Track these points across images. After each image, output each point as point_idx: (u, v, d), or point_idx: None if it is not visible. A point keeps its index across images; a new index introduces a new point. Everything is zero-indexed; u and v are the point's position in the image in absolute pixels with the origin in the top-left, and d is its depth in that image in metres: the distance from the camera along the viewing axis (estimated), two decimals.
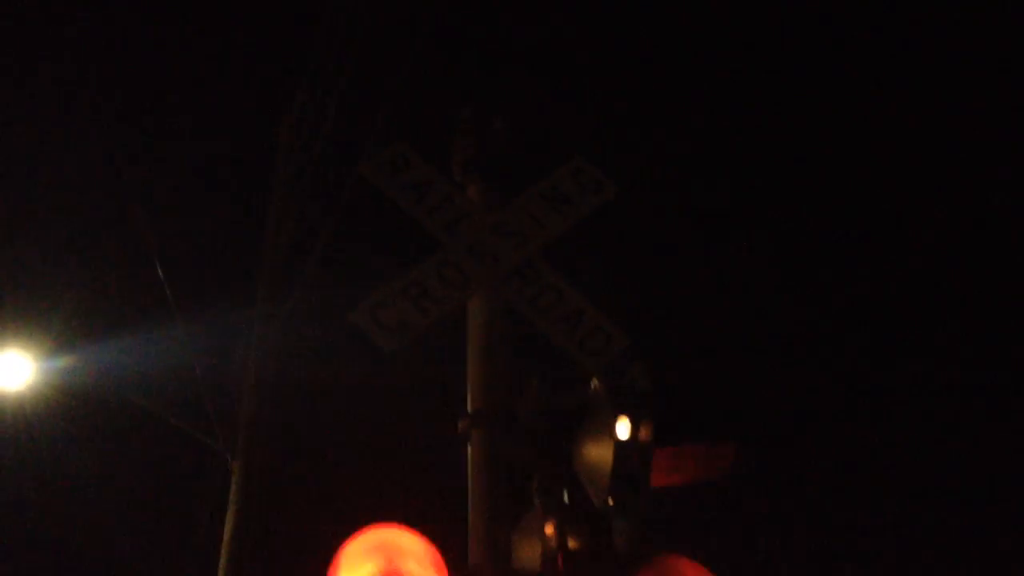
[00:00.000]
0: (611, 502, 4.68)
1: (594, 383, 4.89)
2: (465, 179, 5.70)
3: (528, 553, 5.02)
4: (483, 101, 5.86)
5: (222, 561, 9.74)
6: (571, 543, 5.01)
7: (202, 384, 10.48)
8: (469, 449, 4.97)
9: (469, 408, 5.06)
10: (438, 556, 4.10)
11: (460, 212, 5.44)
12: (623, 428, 4.60)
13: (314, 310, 10.90)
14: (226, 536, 9.83)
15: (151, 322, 11.11)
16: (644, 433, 4.61)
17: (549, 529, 4.99)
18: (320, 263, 11.15)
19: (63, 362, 10.69)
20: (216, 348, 10.74)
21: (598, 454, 4.72)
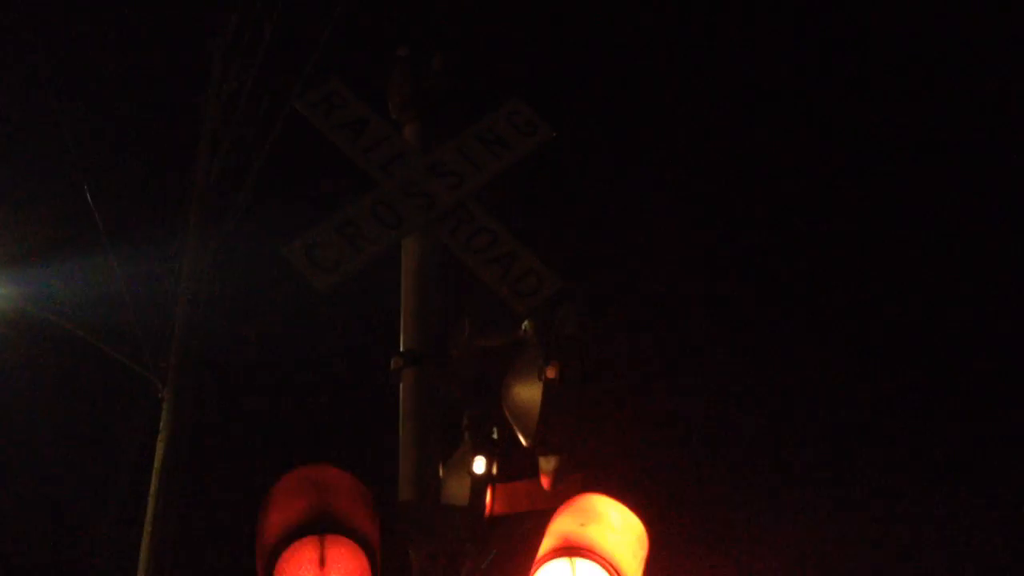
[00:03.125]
0: (538, 441, 4.80)
1: (525, 324, 4.99)
2: (401, 119, 5.71)
3: (457, 488, 5.14)
4: (421, 40, 5.87)
5: (152, 488, 9.79)
6: (498, 479, 5.13)
7: (133, 311, 10.45)
8: (401, 387, 5.05)
9: (402, 347, 5.13)
10: (367, 493, 4.19)
11: (395, 152, 5.47)
12: (551, 369, 4.70)
13: (247, 239, 10.88)
14: (156, 464, 9.88)
15: (82, 249, 11.02)
16: (571, 374, 4.72)
17: (478, 465, 5.10)
18: (253, 191, 11.11)
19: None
20: (148, 275, 10.70)
21: (527, 394, 4.83)
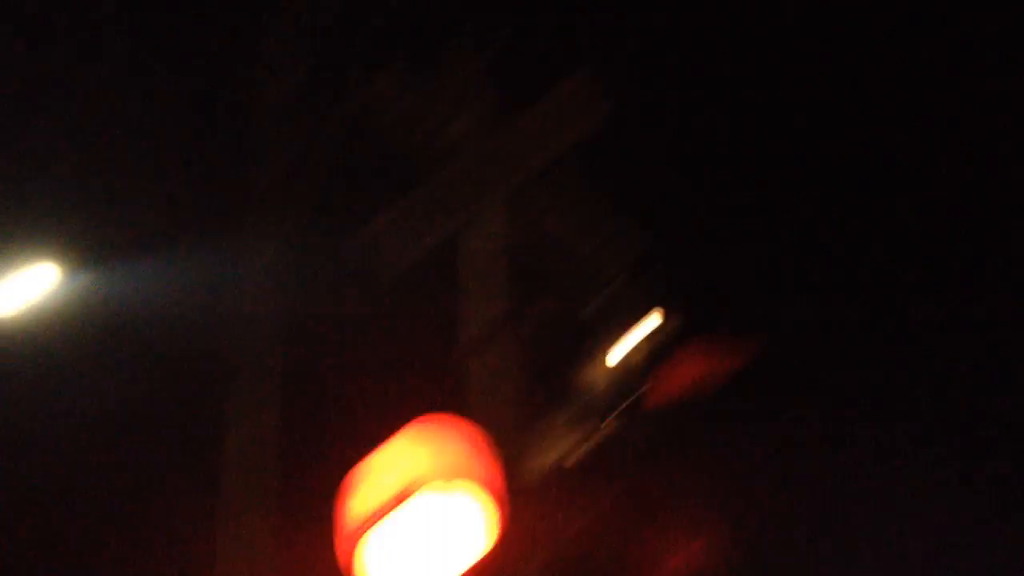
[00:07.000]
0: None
1: (605, 292, 4.95)
2: (462, 103, 5.70)
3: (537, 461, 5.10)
4: (484, 22, 5.85)
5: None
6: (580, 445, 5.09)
7: (203, 309, 10.51)
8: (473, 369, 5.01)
9: (472, 329, 5.10)
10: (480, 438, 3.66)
11: (457, 137, 5.46)
12: (652, 320, 4.68)
13: (304, 245, 10.89)
14: (226, 461, 9.92)
15: (159, 243, 11.09)
16: (669, 326, 4.70)
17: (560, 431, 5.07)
18: (313, 187, 11.12)
19: (79, 278, 10.67)
20: (218, 274, 10.75)
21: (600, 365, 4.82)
